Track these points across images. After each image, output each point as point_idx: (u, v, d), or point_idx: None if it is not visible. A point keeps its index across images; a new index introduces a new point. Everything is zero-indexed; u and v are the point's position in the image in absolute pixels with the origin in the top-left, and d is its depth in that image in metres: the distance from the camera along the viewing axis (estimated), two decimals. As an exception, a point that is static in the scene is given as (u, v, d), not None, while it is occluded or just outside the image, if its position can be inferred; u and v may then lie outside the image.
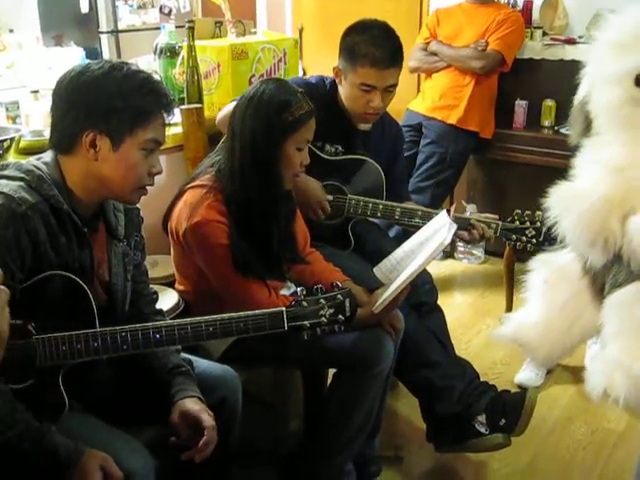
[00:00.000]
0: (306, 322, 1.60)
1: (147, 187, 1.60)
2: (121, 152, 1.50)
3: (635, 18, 1.51)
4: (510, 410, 2.23)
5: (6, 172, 1.49)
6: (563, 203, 1.56)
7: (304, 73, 3.91)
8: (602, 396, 1.51)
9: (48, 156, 1.54)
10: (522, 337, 1.76)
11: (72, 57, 3.08)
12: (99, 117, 1.46)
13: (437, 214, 2.29)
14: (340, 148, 2.41)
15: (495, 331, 1.80)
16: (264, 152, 1.89)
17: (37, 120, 2.43)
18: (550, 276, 1.74)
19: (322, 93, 2.35)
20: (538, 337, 1.72)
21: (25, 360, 1.45)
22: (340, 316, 1.63)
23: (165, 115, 1.55)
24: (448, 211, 2.20)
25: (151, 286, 1.85)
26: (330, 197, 2.32)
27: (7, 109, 2.44)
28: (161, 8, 4.75)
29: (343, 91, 2.35)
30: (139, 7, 4.64)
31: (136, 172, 1.53)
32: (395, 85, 2.30)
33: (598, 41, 1.55)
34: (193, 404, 1.62)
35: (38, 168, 1.50)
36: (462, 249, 4.18)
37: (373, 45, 2.22)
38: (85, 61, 3.03)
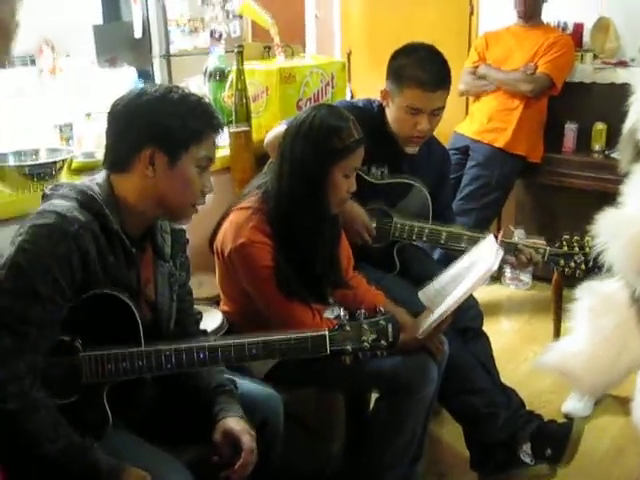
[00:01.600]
0: (348, 346, 1.60)
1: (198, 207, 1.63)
2: (177, 168, 1.54)
3: None
4: (556, 440, 2.18)
5: (60, 192, 1.53)
6: (611, 229, 1.53)
7: (352, 96, 3.93)
8: None
9: (100, 177, 1.58)
10: (566, 366, 1.73)
11: (125, 79, 3.16)
12: (157, 135, 1.51)
13: (484, 238, 2.27)
14: (386, 171, 2.40)
15: (539, 359, 1.77)
16: (311, 177, 1.90)
17: (89, 141, 2.50)
18: (596, 304, 1.71)
19: (369, 116, 2.35)
20: (582, 366, 1.68)
21: (71, 376, 1.49)
22: (382, 341, 1.62)
23: (215, 135, 1.60)
24: (495, 236, 2.18)
25: (195, 306, 1.87)
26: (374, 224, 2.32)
27: (61, 130, 2.51)
28: (212, 33, 4.84)
29: (390, 114, 2.35)
30: (190, 31, 4.73)
31: (192, 188, 1.57)
32: (442, 108, 2.29)
33: None
34: (235, 424, 1.63)
35: (90, 188, 1.54)
36: (509, 274, 4.12)
37: (420, 68, 2.22)
38: (139, 84, 3.12)
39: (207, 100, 1.62)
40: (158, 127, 1.51)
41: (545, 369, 1.78)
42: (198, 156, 1.56)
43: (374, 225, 2.34)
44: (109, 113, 1.57)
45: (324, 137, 1.89)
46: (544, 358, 1.77)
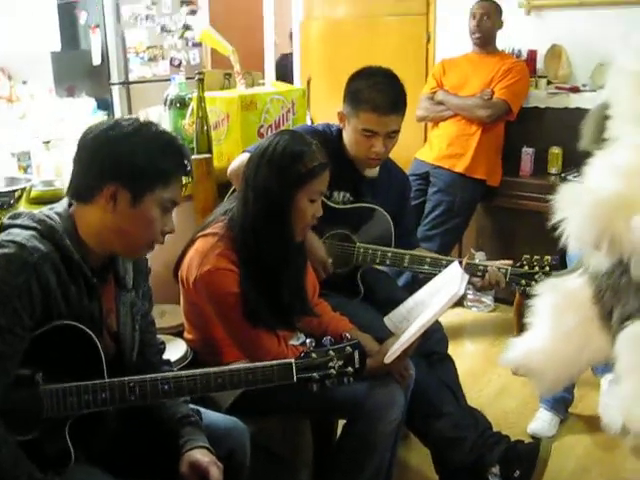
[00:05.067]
0: (315, 374, 1.59)
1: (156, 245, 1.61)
2: (140, 208, 1.51)
3: None
4: (524, 461, 2.19)
5: (19, 221, 1.50)
6: (570, 199, 1.55)
7: (312, 122, 3.96)
8: (621, 431, 1.49)
9: (61, 206, 1.55)
10: (529, 363, 1.75)
11: (83, 108, 3.12)
12: (123, 172, 1.48)
13: (446, 261, 2.29)
14: (348, 196, 2.41)
15: (502, 357, 1.80)
16: (276, 203, 1.90)
17: (48, 170, 2.46)
18: (559, 301, 1.73)
19: (328, 140, 2.35)
20: (545, 363, 1.71)
21: (32, 411, 1.44)
22: (349, 368, 1.62)
23: (183, 177, 1.58)
24: (460, 262, 2.19)
25: (159, 336, 1.84)
26: (330, 260, 2.30)
27: (19, 159, 2.48)
28: (171, 60, 4.85)
29: (347, 136, 2.36)
30: (150, 59, 4.73)
31: (151, 229, 1.54)
32: (397, 131, 2.31)
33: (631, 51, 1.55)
34: (202, 455, 1.60)
35: (50, 218, 1.51)
36: (471, 297, 4.15)
37: (376, 91, 2.24)
38: (97, 113, 3.09)
39: (180, 141, 1.58)
40: (124, 165, 1.48)
41: (509, 366, 1.81)
42: (163, 198, 1.53)
43: (338, 252, 2.34)
44: (78, 142, 1.54)
45: (287, 162, 1.89)
46: (507, 355, 1.79)
